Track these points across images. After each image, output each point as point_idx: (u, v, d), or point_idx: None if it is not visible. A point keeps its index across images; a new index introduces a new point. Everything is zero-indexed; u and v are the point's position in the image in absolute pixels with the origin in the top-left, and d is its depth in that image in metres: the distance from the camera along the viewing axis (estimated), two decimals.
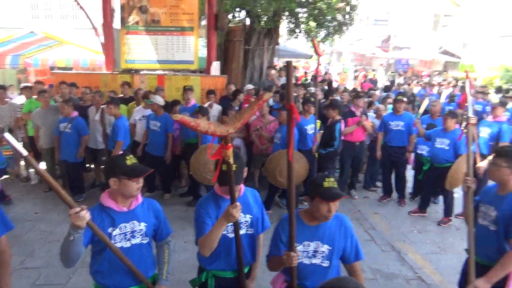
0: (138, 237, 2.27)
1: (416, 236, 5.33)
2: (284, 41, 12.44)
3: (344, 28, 11.27)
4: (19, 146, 1.93)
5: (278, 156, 5.37)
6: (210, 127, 1.83)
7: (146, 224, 2.30)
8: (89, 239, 2.13)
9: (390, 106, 7.47)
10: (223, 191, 2.36)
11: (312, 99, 5.82)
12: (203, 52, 10.01)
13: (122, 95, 7.02)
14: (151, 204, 2.40)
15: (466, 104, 3.06)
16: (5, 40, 10.61)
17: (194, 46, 8.49)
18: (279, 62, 16.89)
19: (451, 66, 22.46)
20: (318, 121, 5.97)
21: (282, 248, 2.30)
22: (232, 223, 2.22)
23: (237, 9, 11.22)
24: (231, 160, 2.02)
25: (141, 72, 8.09)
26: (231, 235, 2.35)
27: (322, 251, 2.28)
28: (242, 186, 2.44)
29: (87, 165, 6.78)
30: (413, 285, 4.15)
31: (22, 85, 8.21)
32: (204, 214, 2.34)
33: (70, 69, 10.68)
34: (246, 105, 6.94)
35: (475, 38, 21.14)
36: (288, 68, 1.88)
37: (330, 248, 2.29)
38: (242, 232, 2.39)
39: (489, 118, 6.17)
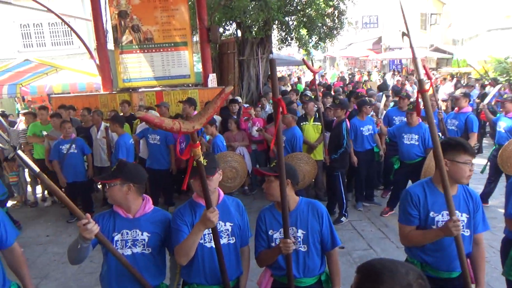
0: (139, 246, 2.26)
1: None
2: (277, 49, 12.58)
3: (335, 32, 11.46)
4: (31, 163, 2.01)
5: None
6: (175, 123, 1.76)
7: (149, 235, 2.27)
8: (97, 241, 2.17)
9: (391, 104, 7.58)
10: (200, 196, 2.24)
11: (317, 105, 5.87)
12: (198, 67, 10.13)
13: (122, 114, 7.07)
14: (161, 215, 2.37)
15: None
16: (1, 70, 10.68)
17: (189, 60, 8.60)
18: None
19: (443, 63, 22.71)
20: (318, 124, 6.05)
21: (264, 238, 2.39)
22: (210, 232, 2.18)
23: (228, 22, 11.43)
24: (202, 159, 1.98)
25: (139, 90, 8.16)
26: (209, 245, 2.25)
27: (298, 236, 2.35)
28: (220, 192, 2.39)
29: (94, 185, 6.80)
30: None
31: (23, 111, 8.25)
32: (179, 221, 2.24)
33: (68, 93, 10.74)
34: (245, 117, 7.06)
35: (464, 33, 21.43)
36: (271, 65, 2.02)
37: (304, 232, 2.35)
38: (223, 241, 2.27)
39: (456, 110, 6.15)
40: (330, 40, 11.74)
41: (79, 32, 9.83)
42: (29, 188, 7.15)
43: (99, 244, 2.20)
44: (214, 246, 2.19)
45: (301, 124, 6.18)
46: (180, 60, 8.53)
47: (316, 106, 6.14)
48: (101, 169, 6.39)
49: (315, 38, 11.46)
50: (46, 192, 7.13)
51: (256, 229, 2.44)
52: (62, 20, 9.56)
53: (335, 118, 5.82)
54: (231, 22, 11.32)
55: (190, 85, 8.77)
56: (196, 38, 10.33)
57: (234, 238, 2.34)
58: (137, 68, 8.52)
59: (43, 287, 4.20)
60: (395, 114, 6.57)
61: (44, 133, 6.51)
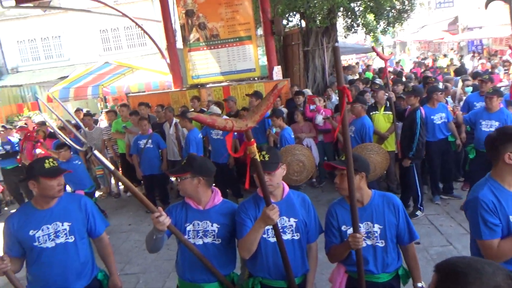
0: (210, 237, 2.34)
1: None
2: (343, 38, 12.19)
3: (405, 15, 10.79)
4: (107, 162, 2.20)
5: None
6: (228, 122, 1.76)
7: (219, 226, 2.34)
8: (170, 232, 2.29)
9: (468, 89, 6.97)
10: None
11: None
12: (263, 60, 10.20)
13: (193, 109, 7.38)
14: (230, 207, 2.43)
15: None
16: (85, 73, 11.74)
17: (254, 54, 8.67)
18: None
19: None
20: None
21: (335, 234, 2.32)
22: (271, 227, 2.15)
23: (291, 13, 11.32)
24: (257, 157, 1.94)
25: (207, 86, 8.44)
26: (273, 240, 2.23)
27: (375, 231, 2.24)
28: (285, 187, 2.37)
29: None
30: None
31: (105, 110, 8.98)
32: (243, 215, 2.28)
33: (143, 92, 11.48)
34: (311, 106, 6.97)
35: None
36: (335, 52, 1.95)
37: (381, 227, 2.25)
38: (287, 237, 2.26)
39: None
40: (400, 24, 11.08)
41: (151, 33, 10.43)
42: (112, 180, 7.80)
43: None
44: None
45: (371, 113, 5.94)
46: (245, 54, 8.64)
47: (386, 94, 5.86)
48: (174, 163, 6.73)
49: (383, 23, 10.88)
50: None
51: (327, 224, 2.38)
52: (136, 23, 10.19)
53: (408, 106, 5.50)
54: (294, 13, 11.19)
55: (255, 78, 8.87)
56: (260, 31, 10.39)
57: (298, 234, 2.31)
58: (204, 64, 8.81)
59: (127, 270, 4.56)
60: (476, 100, 5.98)
61: (124, 126, 7.02)
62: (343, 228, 2.31)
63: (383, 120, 5.93)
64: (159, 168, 6.39)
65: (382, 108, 5.97)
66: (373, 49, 6.26)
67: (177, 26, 8.89)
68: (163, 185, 6.64)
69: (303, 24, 10.56)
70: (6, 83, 18.86)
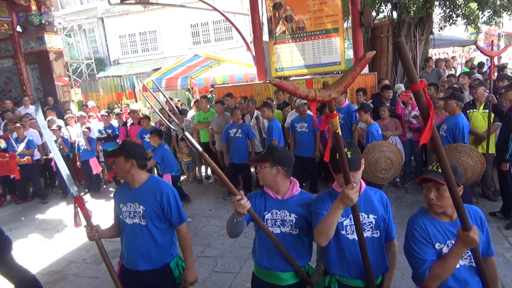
0: (287, 226, 2.34)
1: None
2: (438, 29, 11.25)
3: None
4: (196, 143, 2.29)
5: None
6: (310, 91, 1.66)
7: (296, 216, 2.34)
8: (250, 218, 2.34)
9: None
10: (341, 184, 2.14)
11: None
12: (348, 54, 9.88)
13: (277, 101, 7.45)
14: (308, 198, 2.41)
15: None
16: (176, 65, 12.52)
17: (340, 47, 8.44)
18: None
19: None
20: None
21: (431, 250, 1.98)
22: (352, 223, 2.10)
23: (382, 3, 10.74)
24: (339, 131, 1.86)
25: (291, 79, 8.43)
26: (352, 237, 2.16)
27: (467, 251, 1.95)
28: (362, 183, 2.27)
29: None
30: None
31: (193, 100, 9.48)
32: (319, 205, 2.22)
33: (227, 84, 11.90)
34: (402, 102, 6.57)
35: None
36: (400, 45, 1.65)
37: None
38: (366, 234, 2.16)
39: None
40: (508, 13, 9.89)
41: (237, 27, 10.73)
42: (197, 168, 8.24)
43: (252, 221, 2.38)
44: (356, 238, 2.11)
45: (468, 111, 5.43)
46: (331, 47, 8.45)
47: (487, 91, 5.29)
48: (255, 154, 6.88)
49: (488, 12, 9.82)
50: (209, 171, 8.11)
51: (415, 238, 2.03)
52: (225, 17, 10.56)
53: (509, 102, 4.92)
54: (385, 3, 10.61)
55: (339, 72, 8.64)
56: (347, 23, 10.06)
57: (378, 231, 2.21)
58: (288, 57, 8.82)
59: (206, 253, 4.80)
60: None
61: (211, 128, 7.35)
62: (437, 246, 2.00)
63: (481, 119, 5.40)
64: (246, 158, 6.53)
65: (482, 106, 5.42)
66: (477, 46, 5.67)
67: (264, 19, 9.01)
68: (248, 174, 6.83)
69: (394, 15, 9.96)
70: (108, 74, 21.00)
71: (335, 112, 1.83)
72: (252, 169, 7.33)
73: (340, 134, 1.87)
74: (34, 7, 10.85)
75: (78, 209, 2.60)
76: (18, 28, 11.11)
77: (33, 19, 10.90)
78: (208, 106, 7.82)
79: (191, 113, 8.47)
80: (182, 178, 7.58)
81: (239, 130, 6.47)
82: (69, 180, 2.64)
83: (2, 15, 10.85)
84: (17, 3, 10.71)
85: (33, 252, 5.32)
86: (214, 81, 12.63)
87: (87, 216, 2.59)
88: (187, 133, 2.32)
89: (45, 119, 7.53)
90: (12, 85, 11.66)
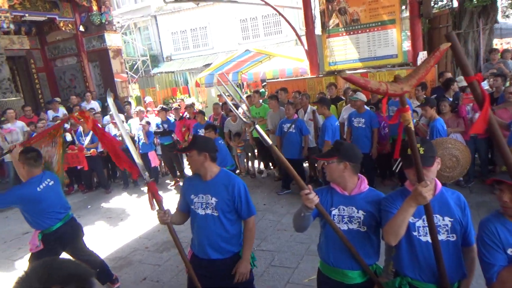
0: (355, 223, 2.30)
1: None
2: (505, 18, 10.50)
3: None
4: (265, 136, 2.33)
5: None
6: (381, 84, 1.63)
7: (365, 213, 2.30)
8: (317, 213, 2.34)
9: None
10: (412, 182, 2.09)
11: None
12: (404, 46, 9.48)
13: (329, 96, 7.34)
14: (376, 196, 2.36)
15: None
16: (227, 60, 12.71)
17: (397, 39, 8.15)
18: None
19: None
20: None
21: (502, 256, 1.89)
22: (425, 225, 2.01)
23: None
24: (412, 125, 1.80)
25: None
26: (425, 239, 2.08)
27: None
28: (438, 183, 2.17)
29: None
30: None
31: (245, 95, 9.58)
32: (389, 203, 2.17)
33: (277, 79, 11.89)
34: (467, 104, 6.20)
35: None
36: (450, 37, 1.65)
37: None
38: (441, 237, 2.07)
39: None
40: None
41: (290, 20, 10.67)
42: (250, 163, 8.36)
43: (318, 217, 2.38)
44: (430, 240, 2.03)
45: None
46: (387, 39, 8.18)
47: None
48: (308, 150, 6.84)
49: None
50: (262, 165, 8.19)
51: (485, 243, 1.98)
52: (276, 10, 10.53)
53: None
54: None
55: (395, 65, 8.34)
56: (404, 14, 9.65)
57: (454, 235, 2.10)
58: (342, 50, 8.65)
59: (263, 247, 4.87)
60: None
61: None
62: (509, 251, 1.92)
63: None
64: (299, 153, 6.54)
65: None
66: None
67: (316, 12, 8.90)
68: (301, 170, 6.81)
69: (455, 4, 9.41)
70: (162, 70, 21.79)
71: (407, 106, 1.80)
72: (305, 165, 7.31)
73: (413, 129, 1.83)
74: (95, 8, 11.49)
75: (152, 193, 2.77)
76: (81, 28, 11.83)
77: (94, 19, 11.54)
78: (261, 101, 7.87)
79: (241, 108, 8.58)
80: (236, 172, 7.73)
81: (293, 126, 6.46)
82: (142, 168, 2.86)
83: (67, 16, 11.59)
84: (79, 4, 11.37)
85: (99, 238, 5.69)
86: (264, 75, 12.68)
87: (159, 201, 2.76)
88: (257, 126, 2.38)
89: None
90: (76, 81, 12.46)
